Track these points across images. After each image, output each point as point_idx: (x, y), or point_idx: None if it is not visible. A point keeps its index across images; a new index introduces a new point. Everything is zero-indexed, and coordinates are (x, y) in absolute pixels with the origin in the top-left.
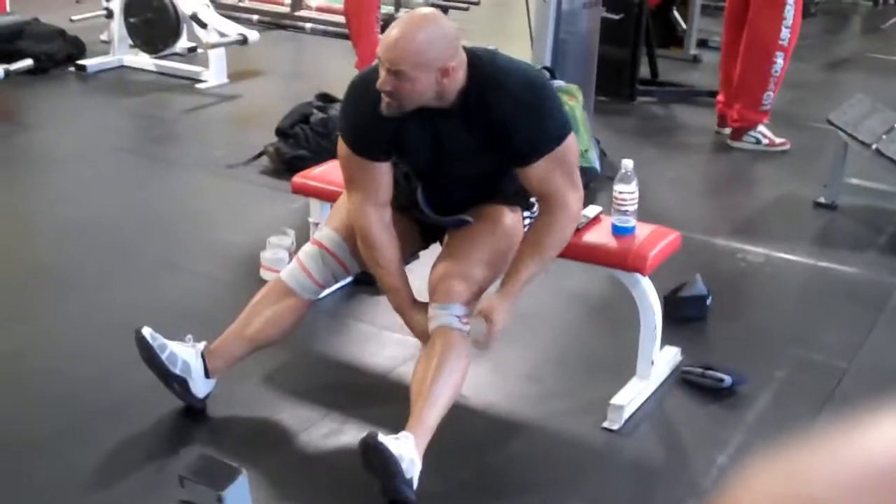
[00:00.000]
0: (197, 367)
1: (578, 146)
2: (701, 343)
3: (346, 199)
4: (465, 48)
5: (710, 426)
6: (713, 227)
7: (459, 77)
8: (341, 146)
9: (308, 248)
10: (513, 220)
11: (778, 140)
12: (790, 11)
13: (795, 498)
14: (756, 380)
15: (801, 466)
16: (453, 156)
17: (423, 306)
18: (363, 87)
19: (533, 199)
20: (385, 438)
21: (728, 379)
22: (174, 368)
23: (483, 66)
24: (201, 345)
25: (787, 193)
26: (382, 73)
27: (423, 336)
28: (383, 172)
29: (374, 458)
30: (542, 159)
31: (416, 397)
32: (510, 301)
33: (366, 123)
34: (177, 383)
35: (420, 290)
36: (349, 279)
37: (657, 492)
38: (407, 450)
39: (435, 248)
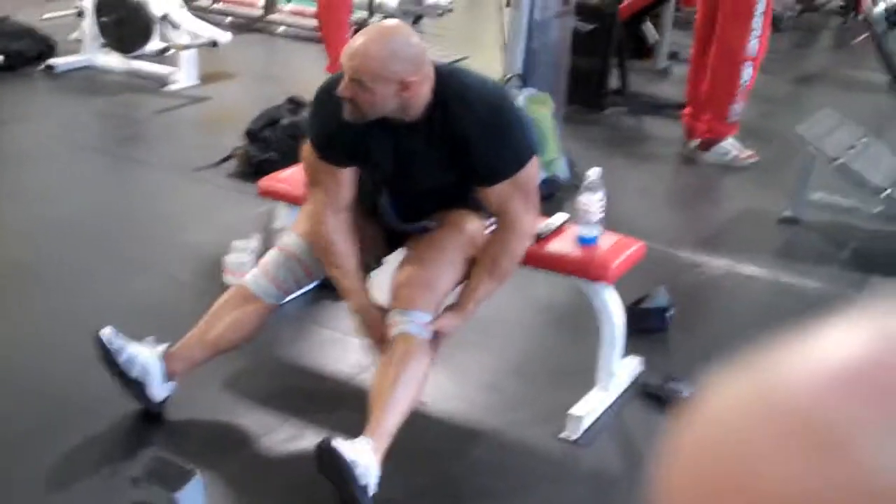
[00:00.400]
0: (156, 370)
1: (547, 155)
2: (662, 354)
3: (308, 198)
4: (434, 64)
5: (668, 438)
6: (678, 238)
7: (424, 92)
8: (306, 148)
9: (273, 253)
10: (476, 227)
11: (746, 153)
12: (758, 22)
13: (767, 401)
14: None
15: (770, 370)
16: (415, 168)
17: (380, 310)
18: (330, 93)
19: None
20: (340, 443)
21: (688, 391)
22: (132, 373)
23: (450, 83)
24: (162, 347)
25: (752, 207)
26: (345, 81)
27: (379, 339)
28: (346, 178)
29: (329, 463)
30: (501, 182)
31: (374, 402)
32: (463, 319)
33: (331, 130)
34: (134, 387)
35: (386, 297)
36: (313, 284)
37: (614, 502)
38: (363, 455)
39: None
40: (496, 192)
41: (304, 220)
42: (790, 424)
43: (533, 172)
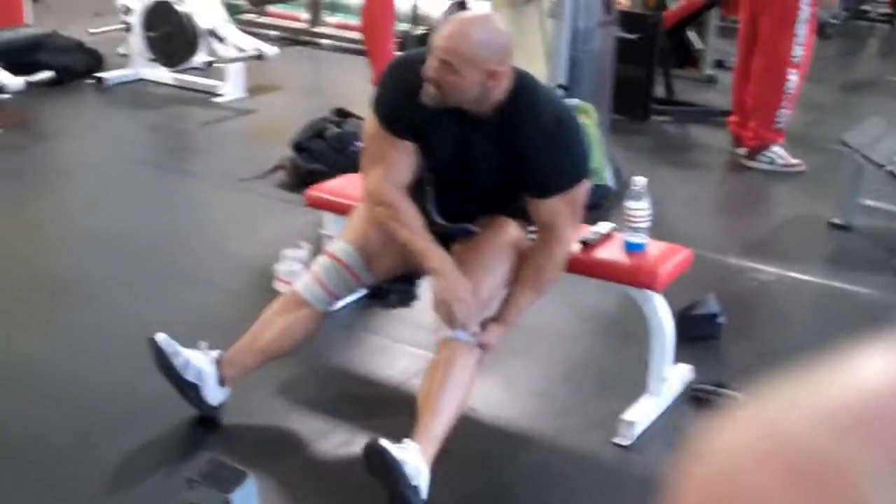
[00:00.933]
0: (211, 374)
1: (593, 164)
2: (713, 361)
3: (365, 176)
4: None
5: None
6: (726, 245)
7: (503, 86)
8: (370, 122)
9: (322, 260)
10: (518, 234)
11: (793, 161)
12: (802, 29)
13: (773, 438)
14: None
15: (779, 406)
16: (472, 163)
17: (459, 274)
18: (404, 68)
19: None
20: (387, 443)
21: (740, 397)
22: (187, 375)
23: (524, 87)
24: (215, 353)
25: (801, 214)
26: (433, 62)
27: (459, 298)
28: (407, 152)
29: (377, 463)
30: (554, 196)
31: (422, 408)
32: (506, 329)
33: (401, 102)
34: (190, 390)
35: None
36: (363, 292)
37: None
38: (411, 455)
39: None
40: (548, 206)
41: (352, 226)
42: (795, 462)
43: (584, 191)
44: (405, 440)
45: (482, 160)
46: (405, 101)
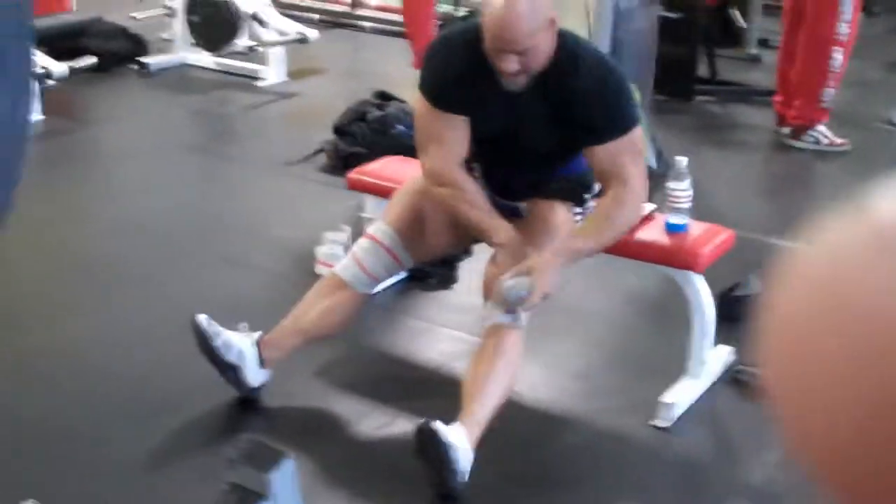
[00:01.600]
0: (251, 355)
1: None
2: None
3: (421, 161)
4: None
5: (760, 425)
6: (771, 226)
7: (555, 30)
8: (420, 103)
9: (362, 241)
10: (565, 216)
11: (838, 140)
12: (847, 6)
13: (875, 229)
14: None
15: (880, 206)
16: (523, 131)
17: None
18: (447, 46)
19: (586, 195)
20: (441, 426)
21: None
22: (228, 356)
23: (566, 41)
24: (256, 334)
25: (845, 194)
26: (509, 59)
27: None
28: (462, 127)
29: (430, 446)
30: (614, 140)
31: (468, 393)
32: (559, 263)
33: (447, 80)
34: (230, 371)
35: (475, 287)
36: (403, 274)
37: (706, 489)
38: (460, 440)
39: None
40: (609, 150)
41: (392, 209)
42: None
43: (640, 139)
44: (453, 423)
45: (532, 124)
46: (451, 79)
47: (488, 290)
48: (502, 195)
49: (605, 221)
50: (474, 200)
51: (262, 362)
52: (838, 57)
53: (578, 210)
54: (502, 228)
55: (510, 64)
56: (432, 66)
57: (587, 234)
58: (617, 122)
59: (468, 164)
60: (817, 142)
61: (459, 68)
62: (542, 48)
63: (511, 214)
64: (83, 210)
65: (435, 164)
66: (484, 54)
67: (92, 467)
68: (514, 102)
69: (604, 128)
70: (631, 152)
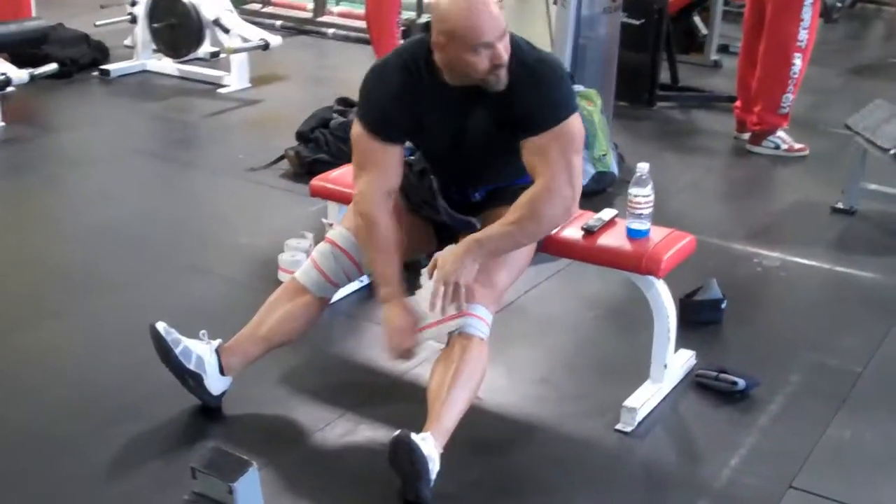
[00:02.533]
0: (211, 363)
1: (597, 150)
2: (715, 347)
3: (354, 184)
4: None
5: (723, 429)
6: (730, 231)
7: None
8: (356, 128)
9: (321, 246)
10: None
11: (797, 145)
12: (807, 13)
13: None
14: (770, 383)
15: None
16: (470, 132)
17: (405, 309)
18: (383, 72)
19: None
20: (418, 438)
21: (742, 382)
22: (188, 363)
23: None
24: (216, 342)
25: (804, 198)
26: (480, 56)
27: (398, 342)
28: (396, 157)
29: (404, 457)
30: (545, 131)
31: (433, 400)
32: (463, 253)
33: (387, 105)
34: (191, 378)
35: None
36: (366, 280)
37: (669, 493)
38: (433, 451)
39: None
40: (534, 143)
41: (351, 213)
42: None
43: (575, 132)
44: (423, 433)
45: (477, 130)
46: (390, 103)
47: (399, 348)
48: (459, 209)
49: (520, 219)
50: (379, 243)
51: (223, 369)
52: (798, 63)
53: None
54: (389, 284)
55: (482, 61)
56: (367, 94)
57: (493, 229)
58: (548, 113)
59: (424, 178)
60: (777, 147)
61: (395, 92)
62: (507, 39)
63: (465, 228)
64: (44, 217)
65: (362, 192)
66: (424, 75)
67: (53, 475)
68: (456, 112)
69: (535, 118)
70: (560, 143)
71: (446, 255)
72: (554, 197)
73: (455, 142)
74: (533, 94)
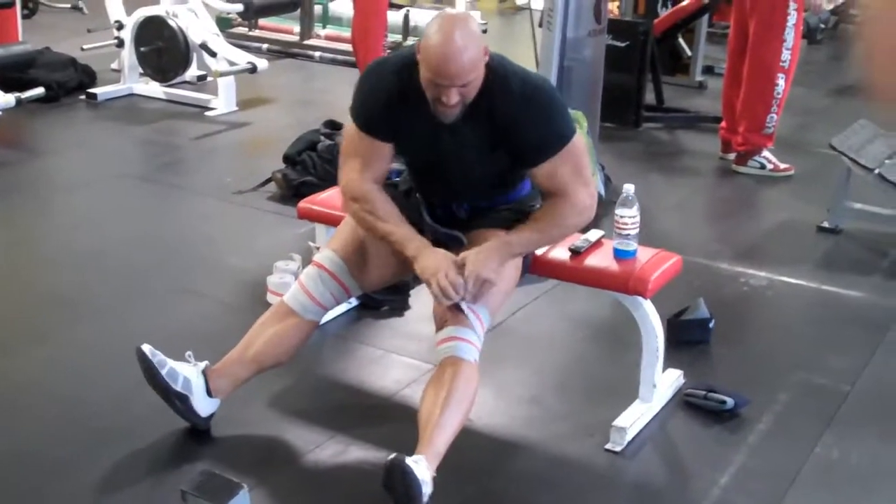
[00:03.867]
0: (198, 384)
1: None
2: (704, 366)
3: (340, 174)
4: None
5: (712, 448)
6: (717, 251)
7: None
8: (349, 126)
9: (309, 269)
10: None
11: (782, 165)
12: (790, 34)
13: None
14: (759, 402)
15: None
16: (457, 157)
17: (440, 251)
18: (378, 73)
19: None
20: (413, 461)
21: (730, 401)
22: (175, 385)
23: (494, 66)
24: (202, 363)
25: (790, 218)
26: (449, 93)
27: (446, 284)
28: (384, 151)
29: (399, 480)
30: (550, 158)
31: (425, 423)
32: (491, 253)
33: (378, 110)
34: (178, 400)
35: (428, 314)
36: (353, 302)
37: None
38: (426, 474)
39: None
40: (545, 170)
41: (338, 236)
42: None
43: (579, 147)
44: (416, 456)
45: (466, 151)
46: (381, 107)
47: (442, 318)
48: (444, 224)
49: (544, 226)
50: (384, 213)
51: (211, 391)
52: (781, 83)
53: None
54: (413, 239)
55: (451, 97)
56: (362, 91)
57: (521, 233)
58: (550, 141)
59: (410, 195)
60: (762, 167)
61: (388, 95)
62: (478, 81)
63: (451, 243)
64: (32, 241)
65: (349, 177)
66: (414, 84)
67: (42, 498)
68: (447, 130)
69: (538, 148)
70: (570, 165)
71: (478, 253)
72: (577, 209)
73: (439, 154)
74: (535, 127)
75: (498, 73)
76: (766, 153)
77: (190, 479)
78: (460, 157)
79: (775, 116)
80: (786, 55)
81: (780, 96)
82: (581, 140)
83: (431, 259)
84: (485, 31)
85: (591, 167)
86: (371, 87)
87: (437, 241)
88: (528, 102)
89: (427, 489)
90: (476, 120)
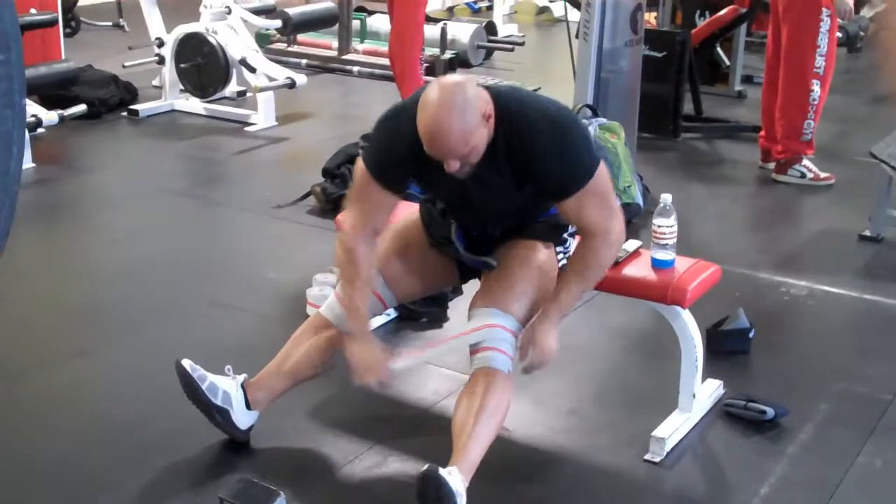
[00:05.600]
0: (238, 398)
1: (621, 182)
2: (743, 376)
3: (344, 214)
4: (488, 88)
5: (752, 458)
6: (757, 260)
7: (492, 115)
8: (360, 165)
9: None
10: (547, 256)
11: (822, 174)
12: (823, 40)
13: None
14: (799, 412)
15: None
16: (483, 194)
17: (371, 343)
18: (395, 121)
19: (566, 236)
20: (447, 473)
21: (770, 411)
22: (215, 399)
23: (508, 106)
24: (241, 377)
25: (831, 227)
26: (451, 163)
27: (367, 371)
28: (390, 202)
29: (433, 492)
30: (574, 195)
31: (459, 434)
32: (553, 324)
33: (391, 159)
34: (218, 414)
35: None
36: (391, 314)
37: None
38: (458, 485)
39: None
40: (571, 206)
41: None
42: None
43: (603, 178)
44: (450, 468)
45: (491, 192)
46: (394, 157)
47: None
48: (476, 248)
49: (585, 271)
50: (359, 279)
51: (249, 404)
52: (817, 90)
53: (560, 249)
54: (360, 319)
55: (451, 166)
56: (377, 139)
57: (569, 289)
58: (574, 177)
59: (445, 217)
60: (803, 175)
61: (406, 145)
62: (481, 145)
63: (486, 268)
64: (75, 257)
65: (349, 221)
66: None
67: None
68: (470, 176)
69: (563, 185)
70: (596, 199)
71: (544, 337)
72: (608, 240)
73: (466, 196)
74: (557, 164)
75: (513, 111)
76: (806, 162)
77: (228, 486)
78: (487, 200)
79: (812, 123)
80: (820, 61)
81: (815, 103)
82: (604, 170)
83: (365, 350)
84: (522, 44)
85: (630, 177)
86: (387, 135)
87: (467, 269)
88: (547, 140)
89: (461, 501)
90: (498, 162)
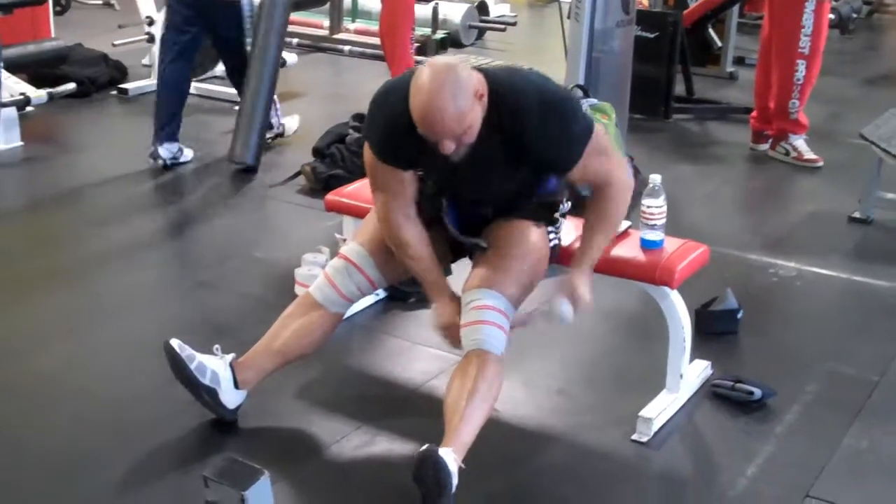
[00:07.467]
0: (226, 377)
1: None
2: (731, 357)
3: (374, 201)
4: (482, 69)
5: (739, 438)
6: (746, 241)
7: (486, 95)
8: (367, 153)
9: (334, 262)
10: (539, 236)
11: (807, 155)
12: (809, 20)
13: None
14: (786, 393)
15: None
16: (480, 172)
17: (457, 300)
18: (388, 101)
19: (557, 216)
20: (445, 453)
21: (758, 392)
22: (203, 379)
23: (501, 86)
24: (230, 356)
25: (820, 208)
26: (447, 143)
27: (449, 329)
28: (408, 178)
29: (430, 472)
30: (577, 163)
31: (451, 415)
32: (588, 275)
33: (390, 137)
34: (206, 393)
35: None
36: (380, 294)
37: (686, 503)
38: (453, 465)
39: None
40: (576, 173)
41: (365, 229)
42: None
43: (600, 137)
44: (444, 448)
45: (487, 170)
46: (392, 135)
47: (468, 303)
48: (468, 228)
49: (607, 219)
50: (416, 259)
51: (238, 383)
52: (801, 69)
53: (551, 229)
54: (439, 288)
55: (446, 147)
56: (374, 120)
57: (596, 239)
58: (575, 148)
59: (436, 198)
60: (787, 153)
61: (401, 124)
62: (476, 124)
63: (477, 249)
64: (63, 236)
65: (383, 216)
66: None
67: (70, 492)
68: (465, 155)
69: (565, 159)
70: (596, 156)
71: (576, 280)
72: (619, 188)
73: (460, 177)
74: (554, 142)
75: (506, 91)
76: (794, 140)
77: (212, 465)
78: (482, 178)
79: (797, 102)
80: (804, 41)
81: (800, 82)
82: (600, 129)
83: (452, 309)
84: (514, 25)
85: (604, 132)
86: (382, 115)
87: (459, 247)
88: (544, 117)
89: (455, 480)
90: (494, 140)
